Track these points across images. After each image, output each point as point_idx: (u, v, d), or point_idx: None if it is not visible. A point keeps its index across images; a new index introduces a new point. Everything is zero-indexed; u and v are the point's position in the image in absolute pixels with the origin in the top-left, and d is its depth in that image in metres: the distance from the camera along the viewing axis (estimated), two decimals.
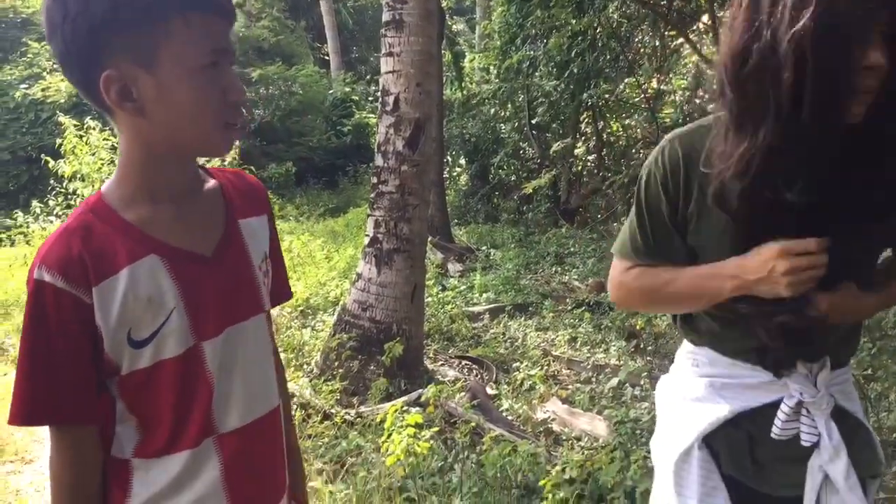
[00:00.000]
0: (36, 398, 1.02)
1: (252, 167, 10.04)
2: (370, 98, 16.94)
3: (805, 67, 1.05)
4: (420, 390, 4.08)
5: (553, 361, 5.18)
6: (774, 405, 1.35)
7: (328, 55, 19.79)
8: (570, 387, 4.72)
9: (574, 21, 9.61)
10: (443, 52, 10.88)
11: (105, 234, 1.03)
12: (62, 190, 8.80)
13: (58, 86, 13.28)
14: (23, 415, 1.02)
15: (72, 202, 8.98)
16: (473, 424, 3.67)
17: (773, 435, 1.34)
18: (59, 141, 8.60)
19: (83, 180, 8.76)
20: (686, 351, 1.51)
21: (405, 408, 3.59)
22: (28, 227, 9.40)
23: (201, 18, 1.00)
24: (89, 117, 8.52)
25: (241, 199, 1.20)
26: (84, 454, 1.07)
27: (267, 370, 1.21)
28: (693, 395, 1.45)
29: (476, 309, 6.52)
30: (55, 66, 14.26)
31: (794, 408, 1.33)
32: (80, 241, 1.01)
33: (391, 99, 4.59)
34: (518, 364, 5.06)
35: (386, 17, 4.63)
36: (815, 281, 1.21)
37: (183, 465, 1.09)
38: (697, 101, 9.97)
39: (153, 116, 1.01)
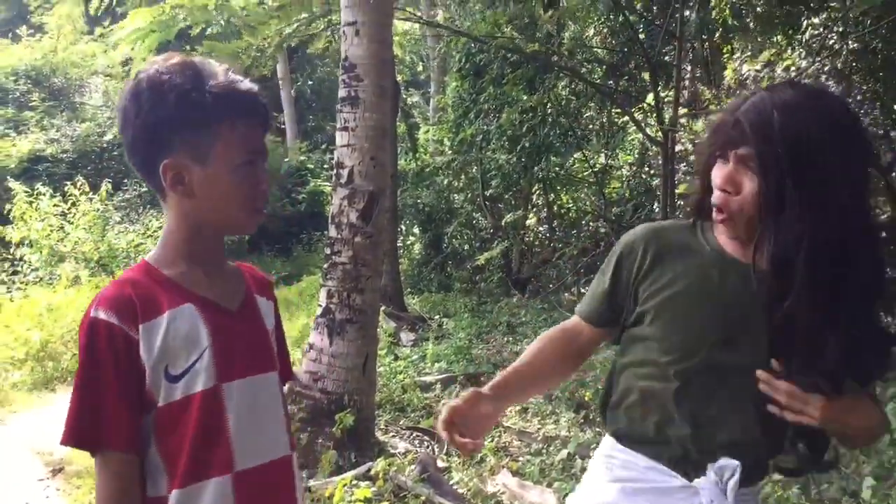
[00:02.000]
0: (83, 422, 1.16)
1: None
2: (325, 166, 17.06)
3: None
4: (370, 463, 4.05)
5: (504, 432, 5.19)
6: None
7: (284, 124, 19.96)
8: (520, 458, 4.72)
9: (525, 97, 9.94)
10: (398, 123, 11.11)
11: (149, 285, 1.23)
12: (8, 256, 8.59)
13: (8, 150, 13.06)
14: (70, 437, 1.16)
15: (18, 268, 8.75)
16: (423, 499, 3.65)
17: None
18: (7, 207, 8.43)
19: (31, 246, 8.56)
20: (602, 455, 1.55)
21: (354, 482, 3.57)
22: None
23: (244, 124, 1.23)
24: (40, 183, 8.41)
25: (255, 282, 1.42)
26: (127, 486, 1.17)
27: (279, 422, 1.35)
28: (604, 500, 1.48)
29: (428, 379, 6.50)
30: (6, 130, 14.15)
31: None
32: (131, 288, 1.20)
33: (346, 172, 4.68)
34: None
35: (342, 93, 4.76)
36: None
37: (203, 498, 1.19)
38: (643, 176, 10.32)
39: (200, 200, 1.23)
